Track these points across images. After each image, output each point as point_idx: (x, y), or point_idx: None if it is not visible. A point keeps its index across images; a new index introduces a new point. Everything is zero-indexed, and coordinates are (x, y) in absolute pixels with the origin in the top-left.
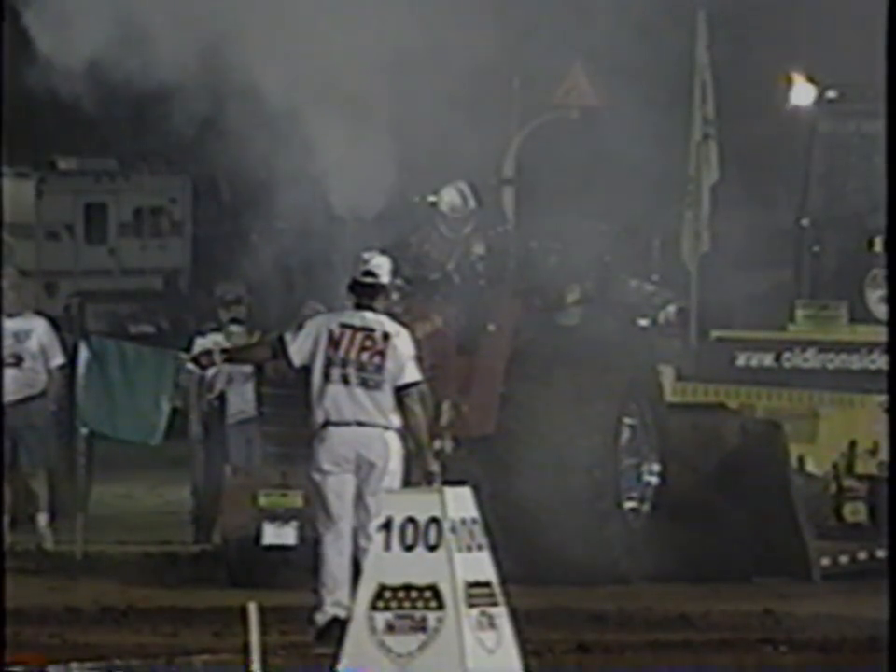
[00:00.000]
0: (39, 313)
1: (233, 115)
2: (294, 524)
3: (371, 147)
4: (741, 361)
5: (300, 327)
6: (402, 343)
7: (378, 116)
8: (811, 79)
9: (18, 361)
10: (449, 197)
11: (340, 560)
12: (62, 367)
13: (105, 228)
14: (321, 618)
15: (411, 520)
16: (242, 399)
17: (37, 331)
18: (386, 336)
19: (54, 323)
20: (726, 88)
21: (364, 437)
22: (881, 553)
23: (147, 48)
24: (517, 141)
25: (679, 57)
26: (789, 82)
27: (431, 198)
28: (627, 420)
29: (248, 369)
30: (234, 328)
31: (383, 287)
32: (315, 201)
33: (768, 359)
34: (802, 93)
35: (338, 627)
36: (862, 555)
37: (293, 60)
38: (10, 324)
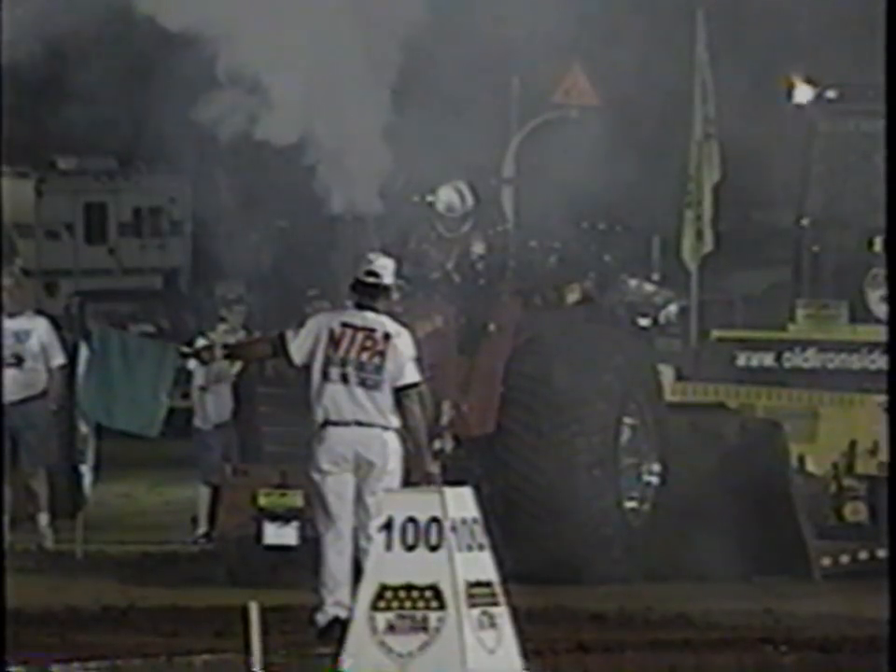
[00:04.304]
0: (40, 312)
1: (232, 115)
2: (295, 523)
3: (370, 145)
4: (741, 361)
5: (301, 325)
6: (403, 343)
7: (377, 114)
8: (811, 79)
9: (19, 361)
10: (446, 196)
11: (340, 560)
12: (62, 367)
13: (105, 227)
14: (322, 618)
15: (411, 520)
16: (218, 404)
17: (38, 331)
18: (387, 336)
19: (55, 323)
20: (726, 87)
21: (363, 437)
22: (882, 553)
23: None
24: (517, 140)
25: (679, 56)
26: (789, 82)
27: (430, 197)
28: (627, 420)
29: (225, 372)
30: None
31: (386, 287)
32: (314, 200)
33: (768, 359)
34: (802, 93)
35: (339, 627)
36: (863, 555)
37: (291, 55)
38: (11, 324)
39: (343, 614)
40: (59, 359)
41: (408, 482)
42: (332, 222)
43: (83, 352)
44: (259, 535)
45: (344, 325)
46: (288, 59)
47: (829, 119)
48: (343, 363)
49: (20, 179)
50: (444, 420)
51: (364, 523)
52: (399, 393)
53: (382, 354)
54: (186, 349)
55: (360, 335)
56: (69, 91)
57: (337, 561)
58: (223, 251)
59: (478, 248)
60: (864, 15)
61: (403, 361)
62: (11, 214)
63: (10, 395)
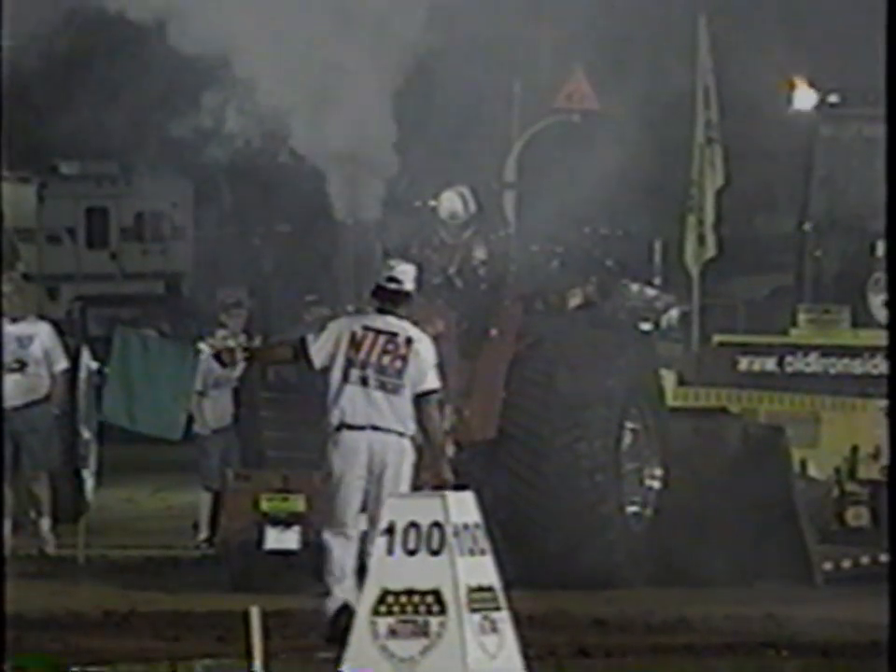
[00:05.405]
0: (42, 317)
1: (232, 119)
2: (297, 528)
3: (373, 151)
4: (743, 366)
5: (322, 328)
6: (425, 349)
7: (380, 120)
8: (813, 83)
9: (21, 366)
10: (449, 202)
11: (344, 552)
12: (65, 371)
13: (107, 232)
14: (332, 604)
15: (413, 524)
16: (216, 409)
17: (40, 336)
18: (409, 341)
19: (57, 327)
20: (728, 92)
21: (378, 442)
22: (884, 558)
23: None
24: (519, 145)
25: (681, 61)
26: (791, 86)
27: (432, 202)
28: (629, 424)
29: (224, 378)
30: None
31: (407, 293)
32: (317, 206)
33: (770, 364)
34: (804, 97)
35: (347, 615)
36: (865, 559)
37: (294, 61)
38: (14, 329)
39: (352, 598)
40: (61, 364)
41: (416, 486)
42: (334, 227)
43: (85, 356)
44: (260, 539)
45: (366, 328)
46: (291, 65)
47: (831, 123)
48: (364, 366)
49: (21, 184)
50: (446, 425)
51: (373, 528)
52: (419, 399)
53: (403, 358)
54: (204, 346)
55: (382, 339)
56: (71, 96)
57: (341, 552)
58: (225, 256)
59: (480, 253)
60: (866, 19)
61: (425, 367)
62: (13, 219)
63: (13, 400)
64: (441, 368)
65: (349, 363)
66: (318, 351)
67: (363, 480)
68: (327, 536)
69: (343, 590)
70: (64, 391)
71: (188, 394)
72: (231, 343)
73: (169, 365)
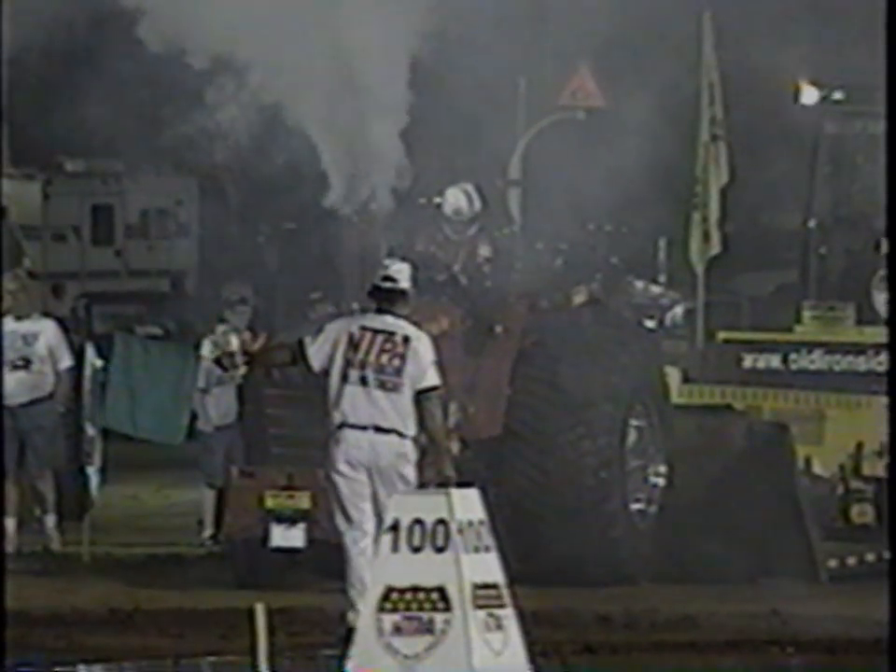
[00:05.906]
0: (47, 315)
1: (237, 115)
2: (302, 525)
3: (378, 147)
4: (748, 363)
5: (319, 330)
6: (423, 347)
7: (385, 117)
8: (818, 80)
9: (26, 364)
10: (454, 198)
11: (364, 560)
12: (70, 369)
13: (112, 229)
14: (354, 616)
15: (418, 521)
16: (219, 406)
17: (45, 334)
18: (407, 339)
19: (62, 325)
20: (733, 89)
21: (380, 443)
22: (889, 555)
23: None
24: (523, 142)
25: (686, 57)
26: (795, 83)
27: (437, 199)
28: (634, 422)
29: (227, 375)
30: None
31: (403, 292)
32: (322, 202)
33: (775, 361)
34: (808, 94)
35: None
36: (870, 557)
37: (300, 59)
38: (19, 326)
39: None
40: (66, 362)
41: (420, 484)
42: (339, 225)
43: (90, 354)
44: (265, 537)
45: (363, 328)
46: (295, 62)
47: (835, 120)
48: (363, 366)
49: (26, 181)
50: (451, 422)
51: (378, 527)
52: (420, 396)
53: (402, 356)
54: (205, 351)
55: (380, 338)
56: (76, 93)
57: (361, 561)
58: (230, 253)
59: (484, 251)
60: (872, 16)
61: (424, 365)
62: (18, 216)
63: (18, 397)
64: (444, 365)
65: (348, 363)
66: (316, 353)
67: (367, 476)
68: (346, 540)
69: (366, 604)
70: (69, 388)
71: (189, 397)
72: (232, 340)
73: (170, 369)
